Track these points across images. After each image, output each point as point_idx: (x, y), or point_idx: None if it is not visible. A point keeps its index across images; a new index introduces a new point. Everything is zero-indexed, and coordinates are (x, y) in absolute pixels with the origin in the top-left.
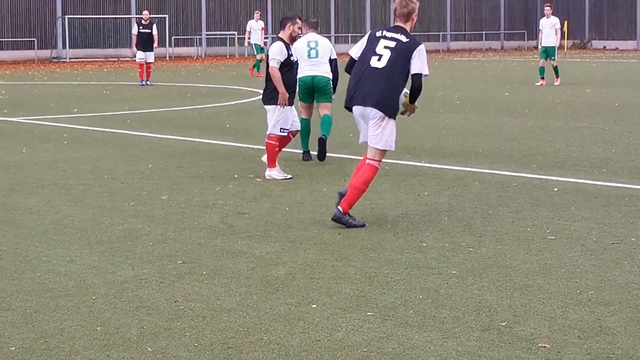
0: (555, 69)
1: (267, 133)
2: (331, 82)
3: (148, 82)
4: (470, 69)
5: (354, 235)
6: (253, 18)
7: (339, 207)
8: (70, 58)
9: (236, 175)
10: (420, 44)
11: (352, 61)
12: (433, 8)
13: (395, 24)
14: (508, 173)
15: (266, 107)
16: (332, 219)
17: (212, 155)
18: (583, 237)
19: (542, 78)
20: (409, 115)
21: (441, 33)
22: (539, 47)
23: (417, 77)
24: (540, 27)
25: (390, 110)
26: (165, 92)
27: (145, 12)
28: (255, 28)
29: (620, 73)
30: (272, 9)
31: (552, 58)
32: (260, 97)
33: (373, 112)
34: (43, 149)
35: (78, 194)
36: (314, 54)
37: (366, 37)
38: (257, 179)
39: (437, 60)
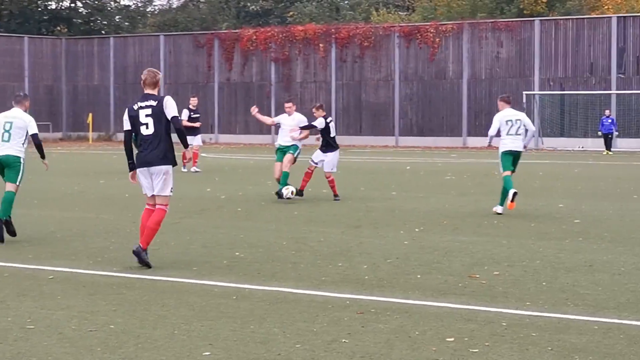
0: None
1: None
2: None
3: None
4: None
5: None
6: None
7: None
8: None
9: None
10: (165, 96)
11: (128, 133)
12: None
13: (145, 92)
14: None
15: None
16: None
17: None
18: (62, 325)
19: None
20: None
21: None
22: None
23: (175, 119)
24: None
25: (173, 161)
26: None
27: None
28: None
29: None
30: None
31: None
32: None
33: (158, 169)
34: None
35: None
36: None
37: (126, 114)
38: None
39: None
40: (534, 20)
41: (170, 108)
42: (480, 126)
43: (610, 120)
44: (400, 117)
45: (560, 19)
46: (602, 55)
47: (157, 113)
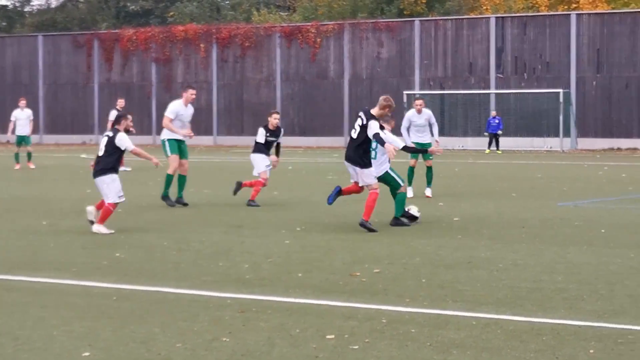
0: None
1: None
2: None
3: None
4: None
5: None
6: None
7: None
8: None
9: None
10: None
11: None
12: None
13: None
14: None
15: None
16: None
17: None
18: None
19: None
20: None
21: None
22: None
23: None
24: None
25: None
26: None
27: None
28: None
29: None
30: None
31: None
32: None
33: None
34: None
35: None
36: None
37: None
38: None
39: None
40: (414, 20)
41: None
42: None
43: (497, 121)
44: (282, 117)
45: (440, 19)
46: (481, 55)
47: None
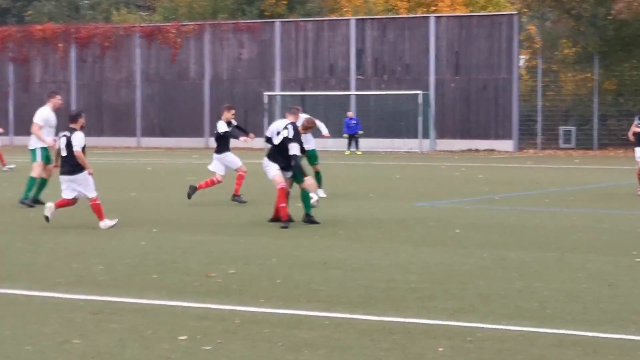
0: None
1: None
2: None
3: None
4: None
5: None
6: None
7: None
8: None
9: None
10: None
11: None
12: None
13: None
14: None
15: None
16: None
17: None
18: None
19: None
20: None
21: None
22: None
23: None
24: None
25: None
26: None
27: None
28: None
29: None
30: None
31: None
32: None
33: None
34: None
35: None
36: None
37: None
38: None
39: None
40: (274, 21)
41: None
42: None
43: (354, 122)
44: (142, 118)
45: (301, 21)
46: (341, 56)
47: None
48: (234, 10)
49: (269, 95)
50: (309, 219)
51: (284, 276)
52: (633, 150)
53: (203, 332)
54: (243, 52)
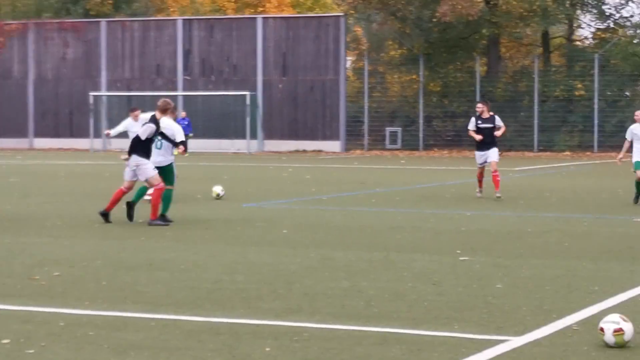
0: None
1: None
2: None
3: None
4: None
5: None
6: None
7: None
8: None
9: None
10: None
11: None
12: None
13: None
14: None
15: None
16: None
17: None
18: None
19: None
20: None
21: None
22: None
23: None
24: None
25: None
26: None
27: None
28: None
29: None
30: None
31: None
32: None
33: None
34: None
35: None
36: None
37: None
38: None
39: None
40: (100, 21)
41: None
42: (47, 127)
43: (187, 122)
44: None
45: (127, 20)
46: (168, 56)
47: None
48: (58, 9)
49: (94, 95)
50: (131, 211)
51: (110, 278)
52: (463, 152)
53: (26, 336)
54: (68, 51)
